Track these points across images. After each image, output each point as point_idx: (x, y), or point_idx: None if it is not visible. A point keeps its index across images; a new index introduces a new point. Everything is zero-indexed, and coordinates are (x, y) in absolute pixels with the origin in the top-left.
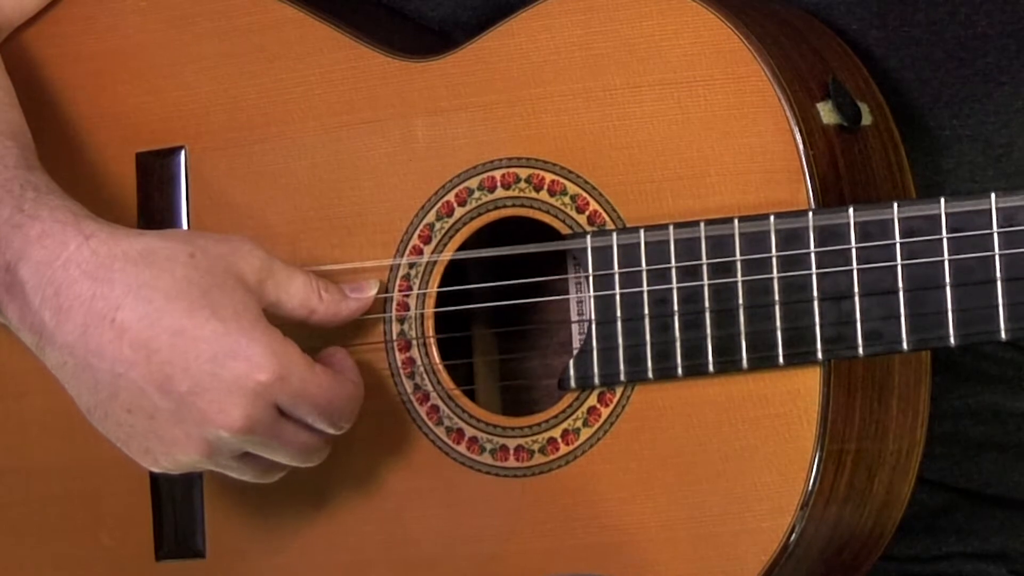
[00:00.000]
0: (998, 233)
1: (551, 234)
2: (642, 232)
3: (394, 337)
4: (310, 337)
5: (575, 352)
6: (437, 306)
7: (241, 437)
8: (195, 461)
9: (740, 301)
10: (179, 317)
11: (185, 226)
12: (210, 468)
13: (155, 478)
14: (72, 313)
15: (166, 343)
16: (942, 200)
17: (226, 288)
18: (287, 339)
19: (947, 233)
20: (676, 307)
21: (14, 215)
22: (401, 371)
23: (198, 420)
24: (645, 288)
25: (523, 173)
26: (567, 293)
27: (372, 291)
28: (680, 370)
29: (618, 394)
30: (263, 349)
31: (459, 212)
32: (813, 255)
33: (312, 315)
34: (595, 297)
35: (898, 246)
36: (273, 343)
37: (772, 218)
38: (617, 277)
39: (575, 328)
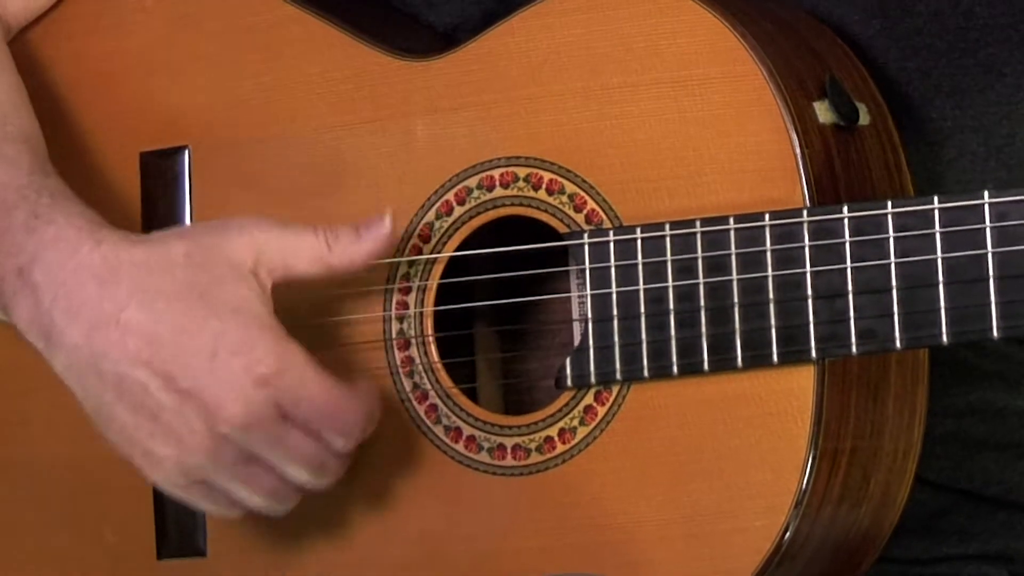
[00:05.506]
0: (991, 231)
1: (550, 233)
2: (639, 231)
3: (393, 336)
4: (310, 340)
5: (572, 351)
6: (436, 305)
7: (243, 433)
8: (199, 464)
9: (735, 299)
10: (180, 317)
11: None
12: (215, 481)
13: None
14: (80, 315)
15: (169, 341)
16: (935, 198)
17: (224, 283)
18: (290, 337)
19: (940, 231)
20: (672, 305)
21: (29, 220)
22: (400, 370)
23: (200, 415)
24: (641, 287)
25: (521, 172)
26: (568, 292)
27: (386, 226)
28: (675, 369)
29: (614, 393)
30: (262, 345)
31: (458, 211)
32: (807, 253)
33: (330, 269)
34: (592, 296)
35: (891, 244)
36: (274, 340)
37: (767, 217)
38: (614, 276)
39: (575, 327)
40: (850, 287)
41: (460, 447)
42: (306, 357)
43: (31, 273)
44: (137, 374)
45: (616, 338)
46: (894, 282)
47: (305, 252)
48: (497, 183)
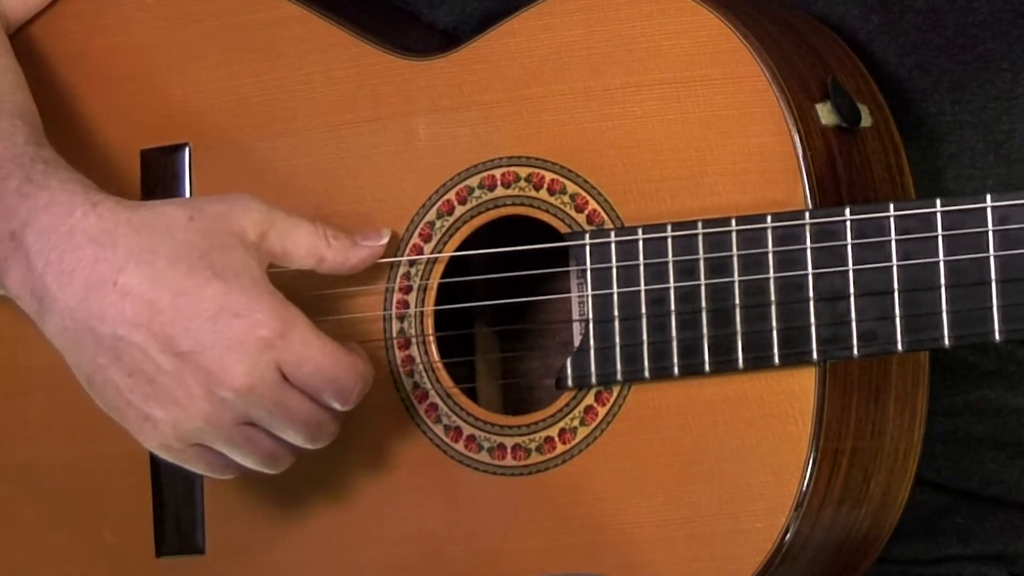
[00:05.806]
0: (993, 234)
1: (552, 233)
2: (640, 232)
3: (394, 335)
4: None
5: (573, 351)
6: (437, 304)
7: (244, 397)
8: (197, 428)
9: (736, 301)
10: (180, 279)
11: None
12: (212, 444)
13: (156, 474)
14: (75, 277)
15: (168, 304)
16: (937, 201)
17: (227, 248)
18: (289, 302)
19: (942, 234)
20: (673, 306)
21: (23, 185)
22: (401, 369)
23: (200, 379)
24: (643, 287)
25: (523, 172)
26: (568, 293)
27: (383, 240)
28: (676, 369)
29: (615, 393)
30: (264, 307)
31: (459, 210)
32: (809, 255)
33: (321, 263)
34: (593, 296)
35: (893, 247)
36: (275, 302)
37: (769, 218)
38: (615, 276)
39: (576, 328)
40: (852, 289)
41: (460, 447)
42: (307, 320)
43: (23, 237)
44: (134, 336)
45: (617, 339)
46: (896, 285)
47: (304, 242)
48: (498, 183)
